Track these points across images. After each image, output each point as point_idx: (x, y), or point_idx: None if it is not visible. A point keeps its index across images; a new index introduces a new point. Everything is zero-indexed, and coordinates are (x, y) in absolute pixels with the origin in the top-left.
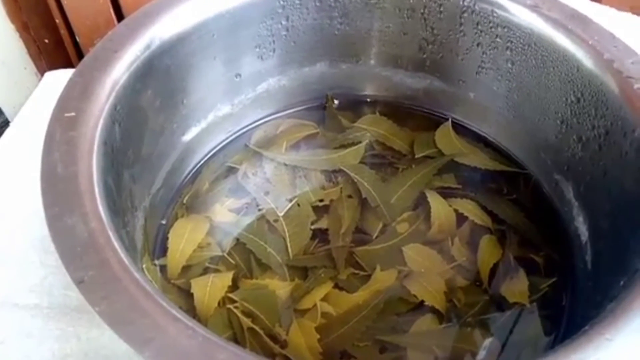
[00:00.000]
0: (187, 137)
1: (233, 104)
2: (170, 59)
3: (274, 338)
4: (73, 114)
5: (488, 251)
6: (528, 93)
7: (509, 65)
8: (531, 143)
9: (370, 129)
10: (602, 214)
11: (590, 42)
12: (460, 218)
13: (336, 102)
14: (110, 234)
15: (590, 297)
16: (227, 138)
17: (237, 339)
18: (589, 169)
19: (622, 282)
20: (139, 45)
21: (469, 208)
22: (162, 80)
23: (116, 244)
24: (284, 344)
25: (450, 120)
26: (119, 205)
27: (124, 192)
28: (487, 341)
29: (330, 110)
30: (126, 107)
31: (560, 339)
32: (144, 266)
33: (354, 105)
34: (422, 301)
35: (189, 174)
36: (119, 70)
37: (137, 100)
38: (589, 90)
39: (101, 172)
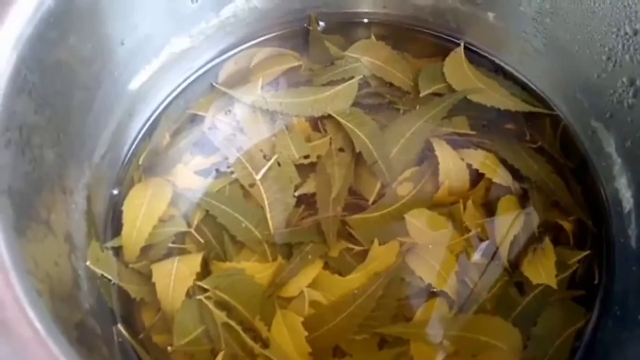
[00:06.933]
0: (135, 84)
1: (192, 36)
2: None
3: (254, 335)
4: None
5: (508, 217)
6: (564, 16)
7: None
8: (564, 79)
9: (365, 58)
10: None
11: None
12: (475, 175)
13: (322, 24)
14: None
15: (633, 284)
16: (188, 78)
17: (210, 337)
18: None
19: None
20: None
21: (485, 162)
22: (87, 22)
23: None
24: (266, 342)
25: (462, 45)
26: (34, 210)
27: (46, 184)
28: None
29: (314, 35)
30: (38, 67)
31: (593, 328)
32: (87, 263)
33: (345, 28)
34: (429, 283)
35: (142, 128)
36: (20, 20)
37: (53, 54)
38: None
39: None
